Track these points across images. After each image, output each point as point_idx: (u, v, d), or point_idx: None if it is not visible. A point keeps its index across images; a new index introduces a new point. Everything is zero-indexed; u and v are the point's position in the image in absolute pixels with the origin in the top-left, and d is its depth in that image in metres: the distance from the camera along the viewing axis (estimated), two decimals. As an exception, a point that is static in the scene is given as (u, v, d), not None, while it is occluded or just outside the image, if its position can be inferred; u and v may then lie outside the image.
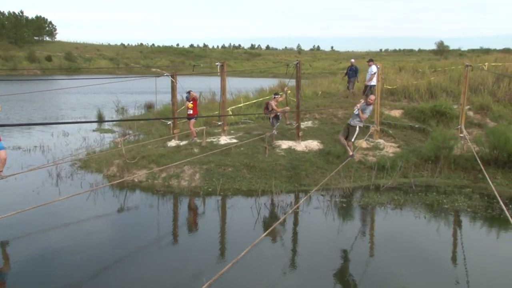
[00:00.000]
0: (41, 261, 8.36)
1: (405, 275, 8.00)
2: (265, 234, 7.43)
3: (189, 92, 16.06)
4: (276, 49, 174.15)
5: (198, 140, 15.84)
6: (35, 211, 9.47)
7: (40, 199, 11.41)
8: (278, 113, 15.62)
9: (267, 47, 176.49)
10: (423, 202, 11.88)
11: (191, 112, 15.98)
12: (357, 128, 12.71)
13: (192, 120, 16.03)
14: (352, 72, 21.57)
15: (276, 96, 15.63)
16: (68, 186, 13.05)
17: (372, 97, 13.10)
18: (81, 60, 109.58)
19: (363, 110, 12.59)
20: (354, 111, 12.70)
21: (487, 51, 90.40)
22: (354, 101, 20.27)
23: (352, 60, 22.29)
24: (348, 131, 12.85)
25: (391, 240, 9.64)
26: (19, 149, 17.85)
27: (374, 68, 19.04)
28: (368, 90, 19.52)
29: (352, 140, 12.81)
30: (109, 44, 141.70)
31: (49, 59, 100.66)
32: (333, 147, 15.05)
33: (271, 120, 15.77)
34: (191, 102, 15.91)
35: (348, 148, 12.90)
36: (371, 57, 23.64)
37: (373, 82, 18.92)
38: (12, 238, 9.49)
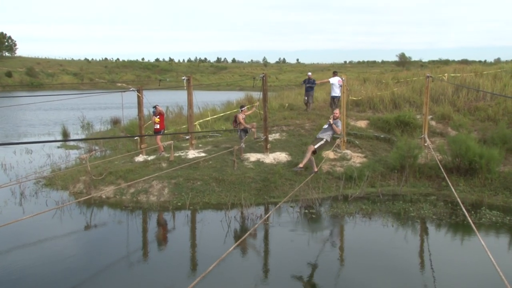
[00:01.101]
0: (7, 281, 8.07)
1: (375, 283, 8.12)
2: (233, 247, 7.43)
3: (155, 107, 15.98)
4: (242, 62, 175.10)
5: (166, 155, 15.72)
6: (-2, 231, 9.18)
7: (2, 219, 11.06)
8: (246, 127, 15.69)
9: (233, 60, 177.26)
10: (390, 210, 12.11)
11: (157, 126, 15.90)
12: (323, 141, 12.73)
13: (159, 135, 15.94)
14: (310, 86, 20.78)
15: (243, 109, 15.78)
16: (33, 205, 12.69)
17: (336, 111, 13.42)
18: (43, 76, 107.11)
19: (335, 124, 12.86)
20: (324, 126, 12.95)
21: (446, 62, 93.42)
22: (316, 114, 20.52)
23: (309, 74, 21.51)
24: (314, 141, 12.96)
25: (360, 249, 9.77)
26: (-20, 168, 17.27)
27: (335, 80, 19.38)
28: (334, 102, 19.72)
29: (316, 146, 12.57)
30: (72, 59, 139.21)
31: (9, 75, 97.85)
32: (301, 158, 15.18)
33: (239, 132, 15.81)
34: (158, 116, 15.84)
35: (313, 163, 12.95)
36: (336, 69, 23.86)
37: (337, 93, 19.26)
38: (-27, 260, 9.14)
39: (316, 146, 12.52)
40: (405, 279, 8.34)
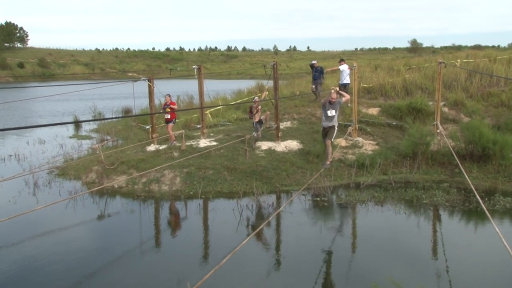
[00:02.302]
0: (22, 271, 8.20)
1: (388, 270, 8.10)
2: (246, 240, 7.40)
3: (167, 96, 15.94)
4: (253, 50, 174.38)
5: (178, 144, 15.76)
6: (13, 221, 9.27)
7: (17, 209, 11.18)
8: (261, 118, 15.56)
9: (244, 49, 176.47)
10: (402, 198, 12.05)
11: (168, 116, 15.90)
12: (335, 129, 11.95)
13: (170, 124, 15.96)
14: (317, 74, 20.28)
15: (255, 99, 15.56)
16: (46, 195, 12.83)
17: (333, 95, 11.65)
18: (55, 66, 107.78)
19: (339, 104, 11.81)
20: (329, 113, 11.73)
21: (458, 48, 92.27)
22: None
23: (314, 62, 21.12)
24: (327, 133, 12.03)
25: (373, 237, 9.75)
26: (-6, 158, 17.49)
27: (346, 67, 19.23)
28: (346, 89, 19.55)
29: (333, 139, 12.11)
30: (83, 49, 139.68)
31: (21, 66, 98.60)
32: (312, 146, 15.15)
33: (254, 125, 15.64)
34: (169, 106, 15.81)
35: (330, 155, 12.18)
36: (347, 56, 23.68)
37: (347, 80, 19.10)
38: (-10, 249, 9.28)
39: (332, 139, 12.07)
40: (418, 266, 8.31)
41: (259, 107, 15.38)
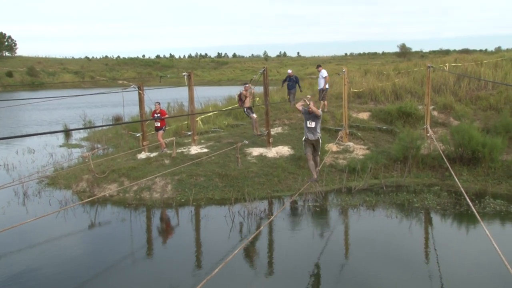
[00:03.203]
0: (13, 282, 8.09)
1: (381, 274, 8.11)
2: (238, 250, 7.44)
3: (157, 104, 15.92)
4: (243, 56, 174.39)
5: (168, 151, 15.70)
6: (3, 232, 9.17)
7: (6, 220, 11.09)
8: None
9: (234, 55, 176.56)
10: (394, 202, 12.09)
11: (158, 124, 15.84)
12: (319, 140, 10.76)
13: (161, 132, 15.91)
14: (292, 83, 20.36)
15: (246, 86, 16.36)
16: (36, 205, 12.71)
17: (310, 107, 10.29)
18: (44, 75, 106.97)
19: (317, 119, 10.50)
20: (308, 125, 10.50)
21: (447, 52, 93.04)
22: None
23: (289, 71, 20.91)
24: (314, 147, 10.81)
25: (365, 241, 9.76)
26: (-18, 168, 17.31)
27: (324, 72, 19.32)
28: (322, 94, 19.44)
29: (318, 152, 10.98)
30: (73, 57, 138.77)
31: (10, 75, 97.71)
32: (304, 152, 15.15)
33: (246, 110, 16.48)
34: (159, 113, 15.76)
35: (316, 170, 10.99)
36: (337, 61, 23.80)
37: (326, 85, 19.21)
38: (-21, 261, 9.16)
39: (318, 153, 10.99)
40: (410, 270, 8.34)
41: (248, 92, 16.25)
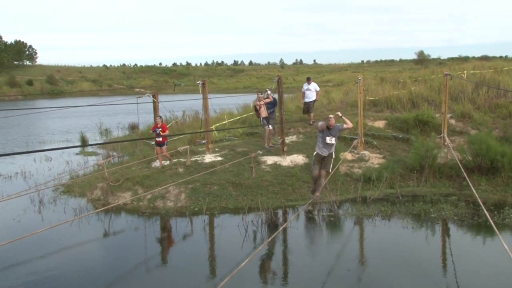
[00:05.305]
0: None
1: (398, 284, 7.95)
2: (250, 258, 7.30)
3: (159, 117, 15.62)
4: (259, 64, 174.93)
5: (183, 160, 15.67)
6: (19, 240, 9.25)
7: (21, 228, 11.18)
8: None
9: (250, 63, 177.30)
10: (410, 212, 11.89)
11: (160, 139, 15.32)
12: (333, 156, 10.70)
13: (164, 147, 15.50)
14: (270, 105, 16.55)
15: (260, 96, 16.31)
16: (51, 212, 12.80)
17: (331, 121, 10.40)
18: (63, 83, 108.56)
19: (340, 130, 10.66)
20: (328, 141, 10.38)
21: (465, 59, 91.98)
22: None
23: (268, 92, 16.82)
24: (324, 162, 10.66)
25: (381, 252, 9.59)
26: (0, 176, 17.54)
27: (316, 86, 18.97)
28: (309, 107, 18.93)
29: (330, 169, 10.81)
30: (91, 65, 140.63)
31: (30, 83, 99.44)
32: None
33: (262, 121, 16.22)
34: (160, 128, 15.37)
35: (320, 187, 10.88)
36: (353, 69, 23.44)
37: (313, 98, 18.66)
38: (-7, 269, 9.23)
39: (330, 169, 10.80)
40: (427, 280, 8.15)
41: (262, 102, 16.04)
